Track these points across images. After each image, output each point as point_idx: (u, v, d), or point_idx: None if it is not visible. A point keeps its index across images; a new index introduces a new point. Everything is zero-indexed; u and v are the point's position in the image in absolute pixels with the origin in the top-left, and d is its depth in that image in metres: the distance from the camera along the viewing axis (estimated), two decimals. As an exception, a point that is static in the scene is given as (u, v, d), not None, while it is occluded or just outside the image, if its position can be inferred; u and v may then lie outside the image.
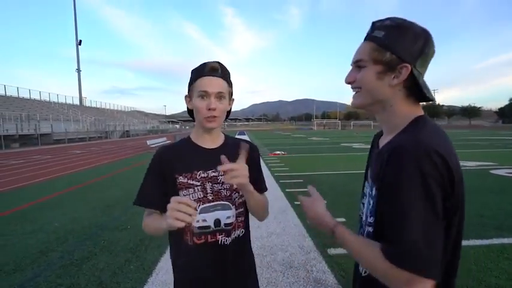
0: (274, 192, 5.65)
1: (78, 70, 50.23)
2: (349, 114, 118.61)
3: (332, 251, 3.04)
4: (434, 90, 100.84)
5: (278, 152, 13.13)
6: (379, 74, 0.71)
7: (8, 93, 35.08)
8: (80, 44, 50.08)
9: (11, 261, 2.99)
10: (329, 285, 2.43)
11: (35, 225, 4.06)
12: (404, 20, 0.70)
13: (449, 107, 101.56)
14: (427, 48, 0.70)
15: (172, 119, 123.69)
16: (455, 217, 0.66)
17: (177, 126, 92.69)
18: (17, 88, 36.66)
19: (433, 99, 0.75)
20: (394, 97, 0.72)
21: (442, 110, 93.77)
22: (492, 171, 7.55)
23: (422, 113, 0.73)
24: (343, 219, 3.95)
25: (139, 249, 3.19)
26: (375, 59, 0.70)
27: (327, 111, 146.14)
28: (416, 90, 0.71)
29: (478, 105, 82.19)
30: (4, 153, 17.04)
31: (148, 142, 17.36)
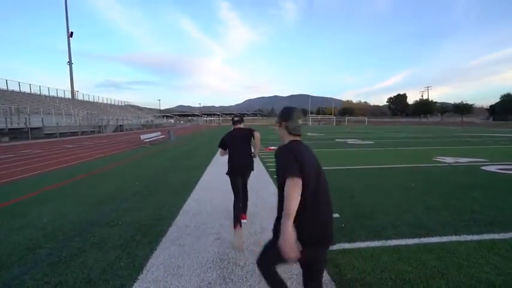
0: (268, 187, 5.62)
1: (70, 63, 49.08)
2: (344, 110, 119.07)
3: (325, 247, 3.03)
4: (428, 87, 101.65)
5: (273, 147, 13.11)
6: (279, 127, 1.80)
7: (-4, 86, 34.18)
8: (71, 36, 48.86)
9: (-4, 258, 2.90)
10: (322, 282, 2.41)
11: (23, 221, 3.96)
12: (286, 107, 1.84)
13: (442, 103, 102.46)
14: (291, 115, 1.74)
15: (166, 113, 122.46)
16: (305, 173, 1.53)
17: (172, 120, 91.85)
18: (6, 81, 35.75)
19: (298, 134, 1.76)
20: (284, 134, 1.77)
21: (435, 107, 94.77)
22: (483, 168, 7.65)
23: (293, 139, 1.74)
24: (336, 215, 3.95)
25: (130, 246, 3.13)
26: (278, 122, 1.81)
27: (322, 107, 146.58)
28: (290, 130, 1.74)
29: (470, 102, 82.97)
30: (-7, 147, 16.65)
31: (142, 137, 17.12)
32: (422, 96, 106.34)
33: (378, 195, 5.05)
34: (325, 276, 2.48)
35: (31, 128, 24.68)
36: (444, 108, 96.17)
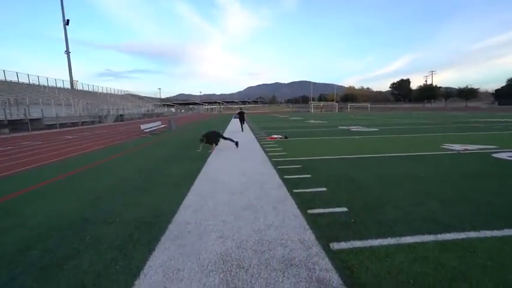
0: (272, 179, 5.41)
1: (67, 52, 48.28)
2: (346, 97, 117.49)
3: (335, 245, 2.83)
4: (432, 72, 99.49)
5: (275, 136, 12.86)
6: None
7: (-6, 77, 33.77)
8: (67, 24, 47.81)
9: (-15, 261, 2.73)
10: (334, 287, 2.22)
11: (17, 220, 3.79)
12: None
13: (446, 88, 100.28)
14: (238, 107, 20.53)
15: (167, 102, 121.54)
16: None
17: (173, 109, 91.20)
18: (4, 71, 35.27)
19: (239, 111, 17.43)
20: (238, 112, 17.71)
21: (439, 92, 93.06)
22: (494, 155, 7.37)
23: (239, 111, 17.33)
24: (345, 209, 3.74)
25: (127, 246, 2.95)
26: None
27: (324, 94, 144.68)
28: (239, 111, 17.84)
29: (475, 86, 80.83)
30: (-7, 140, 16.52)
31: (143, 127, 16.89)
32: (426, 81, 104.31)
33: (387, 186, 4.83)
34: (337, 280, 2.29)
35: (31, 119, 24.49)
36: (448, 93, 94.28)
